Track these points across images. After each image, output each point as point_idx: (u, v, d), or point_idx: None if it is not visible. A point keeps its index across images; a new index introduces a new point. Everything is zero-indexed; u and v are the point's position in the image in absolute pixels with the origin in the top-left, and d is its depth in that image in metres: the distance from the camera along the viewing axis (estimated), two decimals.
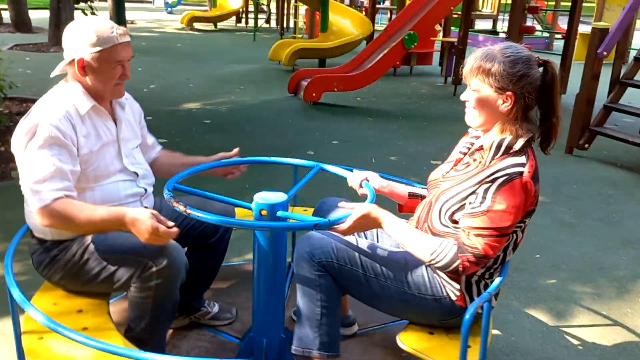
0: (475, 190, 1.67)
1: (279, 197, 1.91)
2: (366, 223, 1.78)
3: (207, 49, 12.12)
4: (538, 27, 15.98)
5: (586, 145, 5.27)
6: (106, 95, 1.93)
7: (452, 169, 1.87)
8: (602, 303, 2.86)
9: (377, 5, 17.80)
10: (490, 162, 1.70)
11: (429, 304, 1.78)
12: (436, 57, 10.10)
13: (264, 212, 1.88)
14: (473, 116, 1.78)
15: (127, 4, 15.45)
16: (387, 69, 7.17)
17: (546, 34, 14.24)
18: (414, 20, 7.03)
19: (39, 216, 1.74)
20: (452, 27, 10.12)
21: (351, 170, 2.19)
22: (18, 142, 1.79)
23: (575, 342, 2.53)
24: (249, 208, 1.92)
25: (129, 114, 2.14)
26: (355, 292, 1.85)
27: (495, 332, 2.55)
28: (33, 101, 6.38)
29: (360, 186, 2.07)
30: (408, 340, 1.77)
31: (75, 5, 10.82)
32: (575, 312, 2.76)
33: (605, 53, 4.95)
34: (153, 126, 5.86)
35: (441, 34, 9.69)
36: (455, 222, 1.71)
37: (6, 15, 14.35)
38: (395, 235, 1.76)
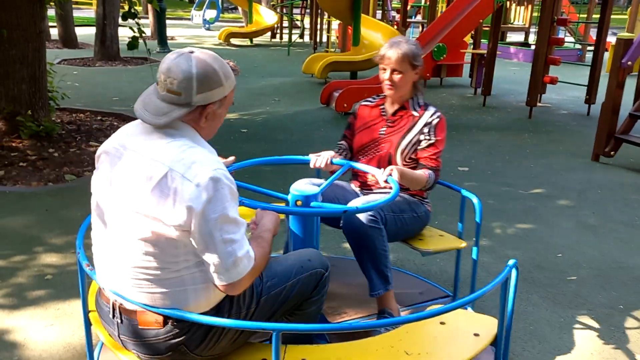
0: (422, 131, 2.54)
1: (313, 189, 2.16)
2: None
3: (244, 64, 12.53)
4: (571, 39, 15.93)
5: (612, 153, 5.36)
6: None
7: (381, 131, 2.60)
8: (620, 298, 2.99)
9: (409, 20, 18.04)
10: (419, 113, 2.57)
11: (423, 217, 2.64)
12: (467, 69, 10.24)
13: (299, 203, 2.12)
14: (399, 89, 2.53)
15: (167, 21, 16.06)
16: None
17: (578, 46, 14.20)
18: (443, 32, 7.22)
19: (234, 288, 1.58)
20: (482, 39, 10.25)
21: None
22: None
23: (592, 332, 2.67)
24: (286, 199, 2.17)
25: None
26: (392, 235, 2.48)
27: (514, 321, 2.71)
28: (82, 112, 6.86)
29: (386, 181, 2.31)
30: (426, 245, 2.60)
31: (121, 22, 11.38)
32: (593, 306, 2.90)
33: (629, 63, 5.06)
34: None
35: (472, 46, 9.85)
36: (413, 158, 2.56)
37: (54, 32, 15.12)
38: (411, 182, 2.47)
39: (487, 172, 5.12)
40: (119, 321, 1.66)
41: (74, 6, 19.89)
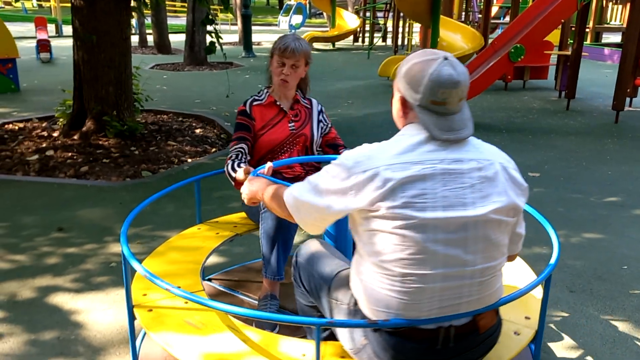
0: (319, 119, 2.75)
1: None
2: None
3: (323, 67, 12.72)
4: None
5: None
6: None
7: (288, 126, 2.66)
8: None
9: (497, 21, 17.47)
10: (308, 103, 2.75)
11: None
12: (552, 71, 9.78)
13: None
14: (293, 83, 2.63)
15: (254, 27, 16.60)
16: (491, 82, 7.14)
17: None
18: (522, 33, 6.96)
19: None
20: (570, 40, 9.75)
21: None
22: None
23: None
24: None
25: None
26: None
27: (564, 334, 2.60)
28: (166, 113, 7.29)
29: None
30: None
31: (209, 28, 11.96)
32: None
33: None
34: None
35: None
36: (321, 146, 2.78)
37: (150, 39, 16.14)
38: None
39: (560, 178, 4.88)
40: (452, 344, 1.54)
41: (170, 14, 21.12)
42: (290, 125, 2.68)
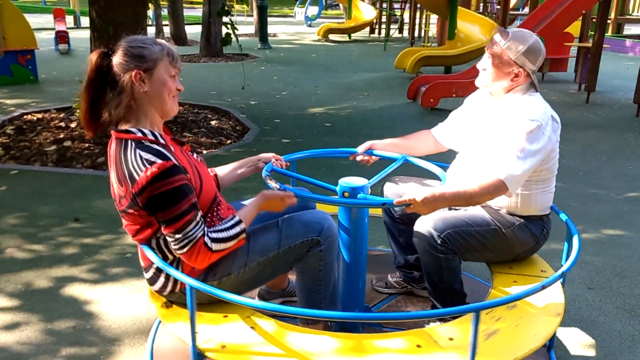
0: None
1: (361, 181, 2.17)
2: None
3: (339, 59, 12.66)
4: None
5: None
6: None
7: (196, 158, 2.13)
8: None
9: (516, 12, 17.22)
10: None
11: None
12: (572, 63, 9.62)
13: (346, 194, 2.14)
14: None
15: (270, 19, 16.60)
16: None
17: None
18: (542, 24, 6.84)
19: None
20: (591, 32, 9.57)
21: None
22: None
23: None
24: (334, 190, 2.20)
25: None
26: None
27: (581, 332, 2.55)
28: (182, 104, 7.31)
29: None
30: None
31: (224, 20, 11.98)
32: None
33: None
34: (279, 128, 6.41)
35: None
36: None
37: (166, 30, 16.18)
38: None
39: (579, 172, 4.80)
40: None
41: (187, 6, 21.16)
42: (196, 156, 2.04)
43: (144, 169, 1.70)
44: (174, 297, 1.98)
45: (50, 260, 3.14)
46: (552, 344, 2.33)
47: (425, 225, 2.15)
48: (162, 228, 1.78)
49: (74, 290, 2.83)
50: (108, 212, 3.81)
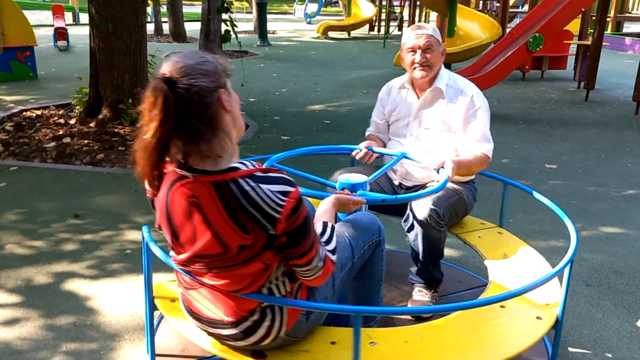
0: None
1: (360, 178, 2.18)
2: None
3: (338, 56, 12.65)
4: None
5: None
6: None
7: None
8: None
9: (515, 9, 17.21)
10: None
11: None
12: (571, 61, 9.62)
13: (345, 191, 2.15)
14: None
15: (269, 16, 16.59)
16: (508, 72, 7.04)
17: None
18: (541, 22, 6.84)
19: None
20: (590, 30, 9.57)
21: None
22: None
23: None
24: (334, 187, 2.21)
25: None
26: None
27: (579, 327, 2.56)
28: None
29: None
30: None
31: (224, 17, 11.95)
32: None
33: None
34: (279, 125, 6.40)
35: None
36: None
37: (165, 27, 16.15)
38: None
39: (578, 170, 4.81)
40: None
41: (186, 2, 21.12)
42: None
43: (282, 203, 1.48)
44: (275, 344, 1.72)
45: (50, 256, 3.15)
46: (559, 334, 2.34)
47: (426, 205, 2.37)
48: (296, 261, 1.57)
49: (74, 286, 2.84)
50: (107, 209, 3.82)
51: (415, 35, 2.53)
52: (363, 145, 2.59)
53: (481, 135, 2.52)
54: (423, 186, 2.62)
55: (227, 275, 1.58)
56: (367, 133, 2.89)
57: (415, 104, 2.63)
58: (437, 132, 2.58)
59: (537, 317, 1.94)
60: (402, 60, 2.63)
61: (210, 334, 1.75)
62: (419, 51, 2.51)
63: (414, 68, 2.54)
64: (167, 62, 1.48)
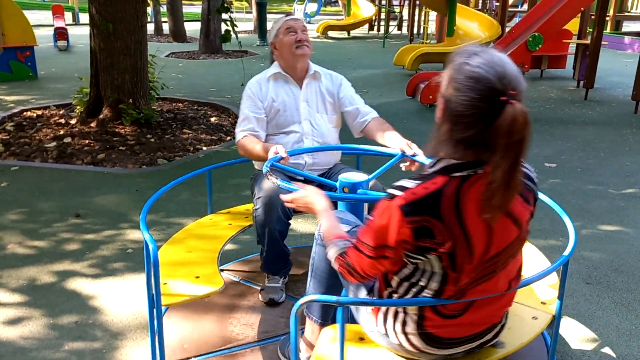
0: None
1: (361, 177, 2.19)
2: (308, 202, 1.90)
3: (338, 56, 12.66)
4: None
5: None
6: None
7: None
8: None
9: (514, 9, 17.23)
10: None
11: None
12: (570, 60, 9.63)
13: (345, 190, 2.16)
14: None
15: (269, 15, 16.65)
16: None
17: None
18: (540, 21, 6.86)
19: None
20: (589, 29, 9.58)
21: None
22: None
23: None
24: (334, 186, 2.22)
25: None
26: None
27: (579, 324, 2.58)
28: (181, 101, 7.32)
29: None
30: None
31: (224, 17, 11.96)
32: None
33: None
34: None
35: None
36: None
37: (165, 27, 16.16)
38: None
39: (577, 169, 4.82)
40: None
41: (185, 2, 21.12)
42: None
43: None
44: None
45: (52, 255, 3.16)
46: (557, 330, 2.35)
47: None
48: None
49: (76, 285, 2.86)
50: (109, 208, 3.83)
51: (290, 18, 2.66)
52: (273, 150, 2.33)
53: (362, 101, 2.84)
54: (330, 170, 2.76)
55: None
56: (242, 134, 2.62)
57: (298, 88, 2.72)
58: (326, 111, 2.76)
59: (535, 314, 1.95)
60: (280, 46, 2.64)
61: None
62: (299, 30, 2.62)
63: (298, 47, 2.60)
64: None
